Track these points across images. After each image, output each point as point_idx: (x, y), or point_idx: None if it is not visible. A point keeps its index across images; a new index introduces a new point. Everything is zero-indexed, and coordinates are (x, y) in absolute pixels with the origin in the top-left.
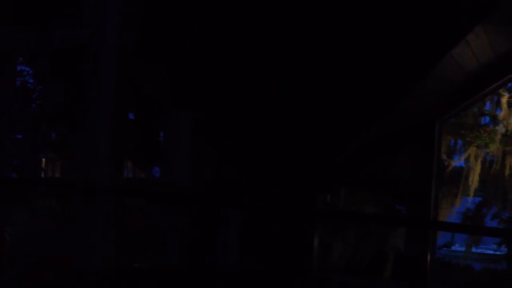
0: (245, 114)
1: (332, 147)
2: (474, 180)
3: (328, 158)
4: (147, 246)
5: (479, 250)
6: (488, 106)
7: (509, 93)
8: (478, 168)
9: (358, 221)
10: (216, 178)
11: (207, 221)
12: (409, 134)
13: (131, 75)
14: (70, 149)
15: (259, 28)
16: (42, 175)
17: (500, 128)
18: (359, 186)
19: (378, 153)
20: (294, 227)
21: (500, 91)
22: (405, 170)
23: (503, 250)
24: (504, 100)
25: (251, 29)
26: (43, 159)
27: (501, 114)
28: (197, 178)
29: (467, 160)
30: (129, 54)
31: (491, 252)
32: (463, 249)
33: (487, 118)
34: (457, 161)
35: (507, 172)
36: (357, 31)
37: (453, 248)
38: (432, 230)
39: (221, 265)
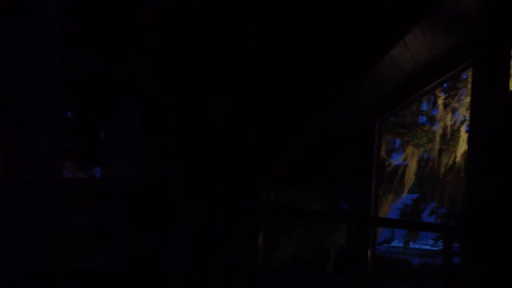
0: (192, 111)
1: (278, 146)
2: (412, 177)
3: (273, 157)
4: (88, 245)
5: (417, 246)
6: (425, 106)
7: (445, 94)
8: (415, 166)
9: (302, 217)
10: (163, 175)
11: (152, 220)
12: (351, 133)
13: (73, 69)
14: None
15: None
16: None
17: (437, 128)
18: (304, 183)
19: (322, 151)
20: (240, 225)
21: (437, 92)
22: (347, 168)
23: (440, 245)
24: (440, 100)
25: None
26: None
27: (438, 114)
28: (143, 175)
29: (405, 158)
30: (68, 46)
31: (429, 247)
32: (402, 244)
33: (424, 118)
34: (397, 160)
35: (442, 170)
36: (297, 33)
37: (393, 244)
38: (372, 226)
39: (163, 263)
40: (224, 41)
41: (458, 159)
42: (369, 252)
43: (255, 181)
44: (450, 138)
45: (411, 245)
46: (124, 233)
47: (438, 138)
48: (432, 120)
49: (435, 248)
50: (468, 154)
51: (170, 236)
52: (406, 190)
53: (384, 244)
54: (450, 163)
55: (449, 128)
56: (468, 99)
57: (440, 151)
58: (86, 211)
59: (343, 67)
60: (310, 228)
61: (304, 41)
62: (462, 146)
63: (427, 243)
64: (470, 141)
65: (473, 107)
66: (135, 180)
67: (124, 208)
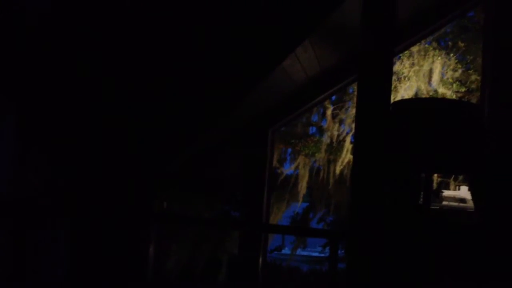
0: (73, 113)
1: (168, 153)
2: (304, 186)
3: (163, 164)
4: None
5: (306, 253)
6: (315, 117)
7: (333, 106)
8: (307, 175)
9: (194, 225)
10: (46, 183)
11: (28, 231)
12: (244, 141)
13: None
14: None
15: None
16: None
17: (325, 138)
18: (196, 192)
19: (214, 159)
20: (129, 234)
21: (326, 103)
22: (240, 176)
23: (327, 251)
24: (329, 112)
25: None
26: None
27: (326, 125)
28: (23, 184)
29: (297, 167)
30: None
31: (317, 254)
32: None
33: (314, 128)
34: (288, 169)
35: (331, 179)
36: (191, 42)
37: (283, 251)
38: (263, 233)
39: (42, 276)
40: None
41: (344, 168)
42: (260, 260)
43: (145, 189)
44: (337, 148)
45: (301, 252)
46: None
47: (326, 148)
48: (321, 130)
49: (322, 255)
50: (353, 163)
51: (53, 248)
52: (298, 199)
53: (275, 252)
54: (338, 172)
55: (336, 138)
56: (353, 111)
57: (328, 161)
58: None
59: (236, 77)
60: (202, 236)
61: (196, 48)
62: (347, 156)
63: (315, 250)
64: (354, 151)
65: (358, 119)
66: (15, 193)
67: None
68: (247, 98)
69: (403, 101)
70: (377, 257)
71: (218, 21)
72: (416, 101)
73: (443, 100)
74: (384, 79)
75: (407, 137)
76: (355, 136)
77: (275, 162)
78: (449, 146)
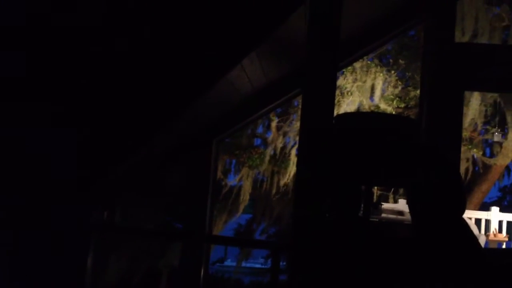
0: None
1: (109, 162)
2: (246, 198)
3: (103, 175)
4: None
5: (248, 264)
6: (260, 129)
7: (278, 118)
8: (250, 187)
9: (135, 236)
10: None
11: None
12: (188, 152)
13: None
14: None
15: None
16: None
17: (270, 150)
18: (138, 203)
19: (157, 170)
20: (67, 244)
21: (271, 115)
22: (182, 187)
23: (269, 263)
24: (273, 124)
25: None
26: None
27: (271, 137)
28: None
29: (241, 179)
30: None
31: (259, 265)
32: (234, 263)
33: (259, 140)
34: (233, 180)
35: (274, 190)
36: (137, 50)
37: (226, 263)
38: (207, 244)
39: None
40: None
41: (287, 180)
42: (201, 272)
43: (85, 198)
44: (281, 160)
45: (243, 264)
46: None
47: (270, 160)
48: (266, 142)
49: (265, 266)
50: (296, 175)
51: None
52: (240, 210)
53: (217, 264)
54: (281, 184)
55: (280, 150)
56: (298, 124)
57: (272, 173)
58: None
59: (181, 87)
60: (142, 248)
61: (141, 56)
62: (292, 168)
63: (258, 262)
64: (298, 163)
65: (302, 132)
66: None
67: None
68: (192, 107)
69: (344, 115)
70: (317, 269)
71: (166, 31)
72: (356, 115)
73: (382, 114)
74: (327, 93)
75: (347, 150)
76: (298, 148)
77: (219, 173)
78: (386, 160)
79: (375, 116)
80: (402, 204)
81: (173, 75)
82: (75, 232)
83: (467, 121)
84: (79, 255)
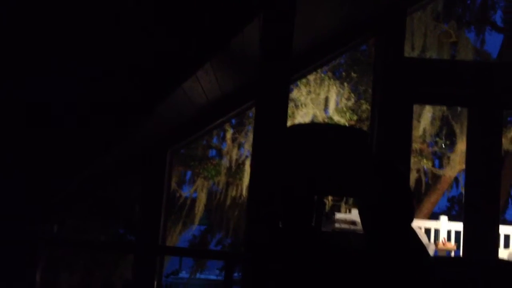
0: None
1: (61, 175)
2: (201, 209)
3: (57, 185)
4: None
5: (203, 276)
6: (215, 140)
7: (233, 129)
8: (205, 198)
9: (86, 249)
10: None
11: None
12: (141, 163)
13: None
14: None
15: None
16: None
17: (225, 161)
18: (89, 216)
19: (107, 181)
20: (14, 260)
21: (226, 126)
22: (136, 198)
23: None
24: (228, 135)
25: None
26: None
27: (226, 148)
28: None
29: (195, 190)
30: None
31: (215, 277)
32: (189, 275)
33: (214, 151)
34: (187, 192)
35: (229, 201)
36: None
37: (180, 275)
38: (159, 255)
39: None
40: None
41: (242, 191)
42: (155, 284)
43: (34, 212)
44: (236, 172)
45: (199, 275)
46: None
47: (225, 171)
48: (221, 153)
49: (220, 278)
50: (249, 186)
51: None
52: (196, 222)
53: (172, 276)
54: (237, 195)
55: (235, 161)
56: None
57: (227, 184)
58: None
59: (134, 97)
60: (94, 261)
61: (92, 66)
62: (247, 179)
63: (213, 273)
64: (251, 174)
65: (255, 143)
66: None
67: None
68: (146, 119)
69: (296, 126)
70: (269, 280)
71: (116, 38)
72: (308, 126)
73: (333, 125)
74: (280, 105)
75: (298, 160)
76: (251, 160)
77: (174, 185)
78: (337, 170)
79: (326, 127)
80: (355, 214)
81: (122, 88)
82: (22, 248)
83: (418, 133)
84: (27, 271)
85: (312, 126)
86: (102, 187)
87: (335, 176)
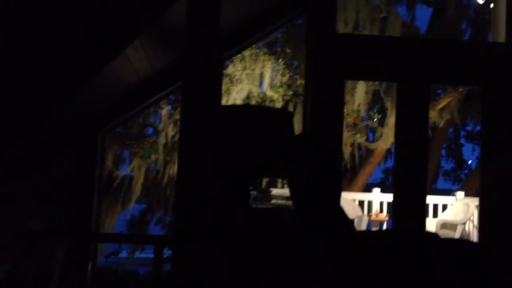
0: None
1: None
2: (139, 188)
3: None
4: None
5: (144, 255)
6: (151, 118)
7: (170, 106)
8: (142, 177)
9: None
10: None
11: None
12: (72, 143)
13: None
14: None
15: None
16: None
17: (161, 139)
18: (18, 200)
19: (37, 163)
20: None
21: (161, 103)
22: (69, 179)
23: (165, 253)
24: (164, 112)
25: None
26: None
27: (161, 125)
28: None
29: (132, 169)
30: None
31: None
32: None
33: (151, 129)
34: (125, 171)
35: (166, 180)
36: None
37: (121, 255)
38: (92, 243)
39: None
40: None
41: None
42: (90, 266)
43: None
44: (173, 149)
45: (139, 255)
46: None
47: (162, 149)
48: (158, 131)
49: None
50: (178, 165)
51: None
52: (133, 201)
53: (112, 256)
54: (174, 173)
55: (171, 138)
56: None
57: (165, 162)
58: None
59: (60, 77)
60: (31, 245)
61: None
62: None
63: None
64: (179, 153)
65: (183, 120)
66: None
67: None
68: (75, 98)
69: (227, 106)
70: (201, 258)
71: (43, 21)
72: (233, 108)
73: (258, 107)
74: (208, 82)
75: (227, 142)
76: (179, 139)
77: (110, 165)
78: (264, 151)
79: (253, 109)
80: None
81: (49, 67)
82: None
83: (352, 108)
84: None
85: (240, 108)
86: (33, 170)
87: (262, 157)
